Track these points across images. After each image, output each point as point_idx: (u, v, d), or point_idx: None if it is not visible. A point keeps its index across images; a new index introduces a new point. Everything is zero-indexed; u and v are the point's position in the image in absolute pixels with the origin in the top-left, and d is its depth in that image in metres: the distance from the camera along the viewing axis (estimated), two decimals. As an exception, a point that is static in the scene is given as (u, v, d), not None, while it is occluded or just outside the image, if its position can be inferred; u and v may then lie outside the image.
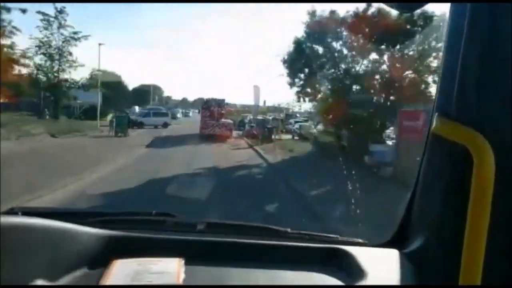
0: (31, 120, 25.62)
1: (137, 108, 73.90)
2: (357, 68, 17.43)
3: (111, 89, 56.21)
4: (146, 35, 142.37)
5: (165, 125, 36.71)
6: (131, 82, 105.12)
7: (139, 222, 1.33)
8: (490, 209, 0.77)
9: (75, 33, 29.68)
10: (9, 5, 21.21)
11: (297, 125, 32.35)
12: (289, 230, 1.30)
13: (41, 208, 1.45)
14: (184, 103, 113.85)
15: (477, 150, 0.79)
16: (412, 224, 1.09)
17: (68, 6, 28.42)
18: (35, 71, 28.56)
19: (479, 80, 0.86)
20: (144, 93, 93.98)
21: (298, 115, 54.14)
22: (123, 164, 13.70)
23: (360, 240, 1.31)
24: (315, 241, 1.28)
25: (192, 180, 11.30)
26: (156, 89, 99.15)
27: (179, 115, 64.42)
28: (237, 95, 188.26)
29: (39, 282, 0.90)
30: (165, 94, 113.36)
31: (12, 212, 1.15)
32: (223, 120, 27.69)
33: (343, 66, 17.36)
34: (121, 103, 62.72)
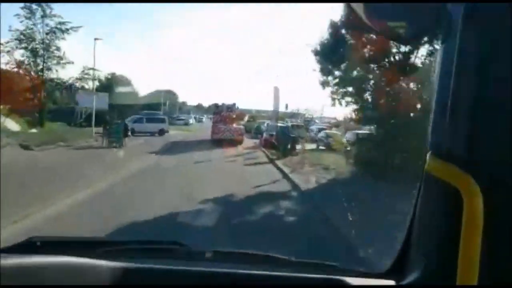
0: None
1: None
2: (415, 60, 13.12)
3: (120, 93, 53.01)
4: (161, 40, 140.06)
5: (161, 132, 31.93)
6: (146, 88, 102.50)
7: (150, 251, 1.41)
8: (480, 247, 0.81)
9: (62, 23, 24.96)
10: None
11: (322, 133, 27.99)
12: (293, 258, 1.41)
13: (57, 238, 1.47)
14: (199, 108, 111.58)
15: (467, 192, 0.82)
16: (410, 256, 1.11)
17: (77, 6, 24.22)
18: (15, 69, 24.00)
19: (470, 120, 0.87)
20: (158, 99, 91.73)
21: (317, 121, 49.64)
22: (98, 191, 9.54)
23: (360, 269, 1.38)
24: (317, 270, 1.37)
25: (190, 222, 7.15)
26: (171, 94, 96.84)
27: (191, 121, 60.59)
28: (256, 101, 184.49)
29: None
30: (180, 100, 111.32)
31: (31, 242, 1.24)
32: (234, 125, 27.34)
33: (397, 57, 13.05)
34: (131, 109, 59.49)
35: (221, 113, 27.94)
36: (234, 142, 25.30)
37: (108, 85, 55.75)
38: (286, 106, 27.16)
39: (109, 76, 58.16)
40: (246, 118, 48.51)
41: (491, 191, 0.82)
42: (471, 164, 0.84)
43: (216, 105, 30.60)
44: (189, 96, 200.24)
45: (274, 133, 23.35)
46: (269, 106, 31.18)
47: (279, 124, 25.36)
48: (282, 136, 20.62)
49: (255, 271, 1.29)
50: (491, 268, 0.84)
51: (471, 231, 0.81)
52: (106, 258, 1.21)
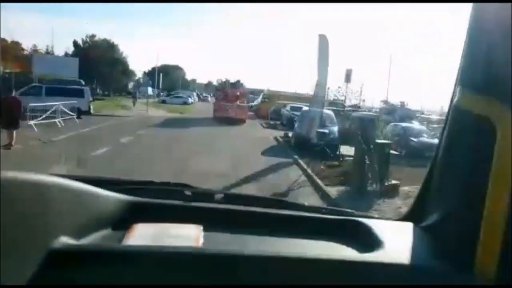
0: None
1: (150, 90, 60.56)
2: None
3: (101, 60, 41.04)
4: (176, 16, 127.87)
5: (76, 112, 18.38)
6: (153, 62, 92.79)
7: (158, 191, 1.30)
8: (511, 185, 0.75)
9: None
10: None
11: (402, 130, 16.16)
12: (306, 203, 1.32)
13: (65, 175, 1.25)
14: (208, 86, 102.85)
15: (501, 122, 0.77)
16: (430, 200, 1.06)
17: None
18: None
19: (505, 51, 0.81)
20: (166, 73, 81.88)
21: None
22: None
23: (376, 215, 1.34)
24: (331, 214, 1.27)
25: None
26: (177, 70, 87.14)
27: (191, 100, 48.62)
28: (270, 80, 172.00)
29: (63, 239, 0.88)
30: (189, 77, 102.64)
31: None
32: (238, 103, 25.73)
33: None
34: (118, 82, 47.53)
35: (224, 90, 26.89)
36: (237, 122, 23.17)
37: (86, 49, 44.71)
38: (348, 76, 14.72)
39: (87, 39, 46.42)
40: (259, 98, 37.09)
41: None
42: (504, 96, 0.77)
43: (218, 82, 31.91)
44: (200, 73, 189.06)
45: (327, 130, 11.56)
46: (286, 88, 19.24)
47: (351, 111, 13.39)
48: (368, 145, 7.90)
49: (269, 210, 1.22)
50: None
51: (503, 166, 0.74)
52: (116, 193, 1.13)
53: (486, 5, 0.84)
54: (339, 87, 23.83)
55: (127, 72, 50.14)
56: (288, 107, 26.00)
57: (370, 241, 1.03)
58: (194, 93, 56.54)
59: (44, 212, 0.87)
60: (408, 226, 1.11)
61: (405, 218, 1.17)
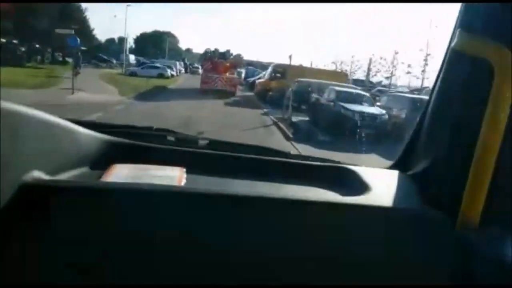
0: None
1: (132, 57, 47.74)
2: None
3: (35, 8, 28.03)
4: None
5: None
6: (143, 27, 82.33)
7: (140, 135, 1.25)
8: (503, 133, 0.73)
9: None
10: None
11: None
12: (291, 152, 1.29)
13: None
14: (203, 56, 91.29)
15: (500, 64, 0.75)
16: (418, 149, 1.04)
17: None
18: None
19: None
20: (156, 40, 69.28)
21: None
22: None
23: (363, 165, 1.30)
24: (318, 162, 1.25)
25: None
26: (168, 37, 76.03)
27: (172, 71, 35.76)
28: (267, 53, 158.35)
29: (36, 173, 0.82)
30: (184, 45, 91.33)
31: None
32: (227, 74, 23.40)
33: None
34: (61, 40, 34.30)
35: (212, 61, 24.80)
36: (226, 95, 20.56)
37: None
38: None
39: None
40: (267, 72, 24.84)
41: None
42: (504, 38, 0.75)
43: (206, 52, 29.22)
44: (197, 43, 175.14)
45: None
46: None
47: None
48: None
49: (254, 156, 1.18)
50: (509, 156, 0.73)
51: (497, 110, 0.72)
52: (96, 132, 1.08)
53: None
54: (382, 58, 12.44)
55: (86, 33, 37.05)
56: (331, 93, 13.36)
57: (356, 186, 1.03)
58: (178, 63, 43.44)
59: (17, 145, 0.81)
60: (395, 173, 1.10)
61: (392, 166, 1.15)
